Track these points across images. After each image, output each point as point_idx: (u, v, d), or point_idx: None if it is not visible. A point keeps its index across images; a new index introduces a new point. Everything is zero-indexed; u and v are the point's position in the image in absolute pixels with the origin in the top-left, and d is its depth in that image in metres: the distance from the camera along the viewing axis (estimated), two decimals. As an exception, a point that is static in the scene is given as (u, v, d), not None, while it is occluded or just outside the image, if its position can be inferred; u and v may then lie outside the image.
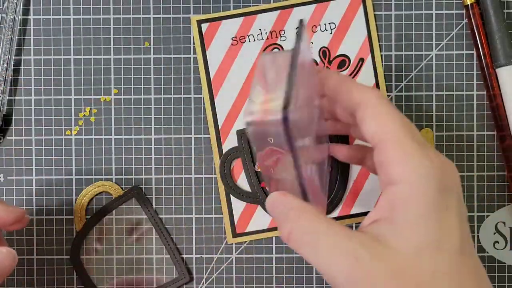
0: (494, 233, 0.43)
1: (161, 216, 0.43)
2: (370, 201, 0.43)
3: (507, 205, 0.43)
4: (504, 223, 0.43)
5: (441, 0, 0.43)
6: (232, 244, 0.43)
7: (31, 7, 0.43)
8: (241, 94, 0.43)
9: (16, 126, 0.43)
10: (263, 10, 0.43)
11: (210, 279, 0.43)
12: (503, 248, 0.43)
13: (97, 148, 0.43)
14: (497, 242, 0.43)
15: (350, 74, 0.43)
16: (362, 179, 0.43)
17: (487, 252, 0.43)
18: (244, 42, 0.43)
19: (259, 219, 0.43)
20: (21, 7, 0.43)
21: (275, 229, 0.43)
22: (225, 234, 0.43)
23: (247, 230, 0.43)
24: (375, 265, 0.28)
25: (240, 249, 0.43)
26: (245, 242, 0.43)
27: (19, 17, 0.43)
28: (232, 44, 0.43)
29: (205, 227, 0.43)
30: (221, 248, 0.43)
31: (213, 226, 0.43)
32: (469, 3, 0.42)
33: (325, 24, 0.43)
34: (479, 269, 0.30)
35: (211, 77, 0.43)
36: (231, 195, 0.43)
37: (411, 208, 0.28)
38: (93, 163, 0.43)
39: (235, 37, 0.43)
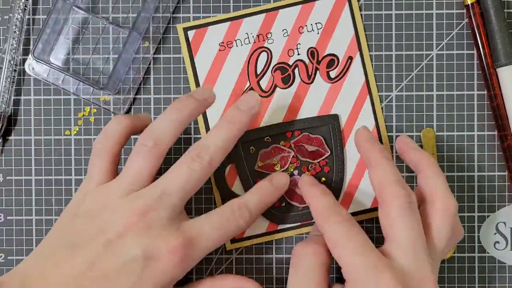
0: (495, 234, 0.43)
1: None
2: (366, 200, 0.43)
3: (508, 205, 0.43)
4: (504, 223, 0.43)
5: (442, 0, 0.43)
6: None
7: (30, 7, 0.43)
8: (231, 99, 0.43)
9: (15, 126, 0.43)
10: (248, 14, 0.43)
11: (210, 279, 0.43)
12: (504, 249, 0.43)
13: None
14: (498, 242, 0.43)
15: (340, 73, 0.43)
16: (357, 179, 0.43)
17: (488, 253, 0.43)
18: (231, 47, 0.43)
19: (257, 224, 0.43)
20: (30, 6, 0.43)
21: (272, 232, 0.43)
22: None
23: (245, 235, 0.43)
24: None
25: (240, 249, 0.43)
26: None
27: (26, 17, 0.43)
28: (219, 50, 0.43)
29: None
30: (221, 249, 0.43)
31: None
32: (469, 2, 0.42)
33: (311, 24, 0.43)
34: None
35: (201, 84, 0.43)
36: (226, 200, 0.42)
37: None
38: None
39: (222, 42, 0.43)
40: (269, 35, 0.43)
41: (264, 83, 0.43)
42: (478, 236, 0.43)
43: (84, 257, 0.34)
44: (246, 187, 0.42)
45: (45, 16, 0.43)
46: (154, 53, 0.43)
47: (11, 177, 0.43)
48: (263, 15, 0.43)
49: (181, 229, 0.35)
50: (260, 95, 0.43)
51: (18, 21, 0.42)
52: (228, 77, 0.43)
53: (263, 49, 0.43)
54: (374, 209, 0.42)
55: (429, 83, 0.43)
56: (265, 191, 0.39)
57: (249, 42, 0.43)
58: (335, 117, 0.42)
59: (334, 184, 0.42)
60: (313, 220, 0.42)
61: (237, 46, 0.43)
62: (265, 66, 0.43)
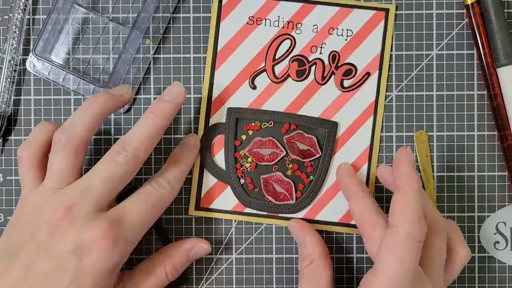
0: (495, 233, 0.43)
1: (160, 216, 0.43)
2: (336, 214, 0.43)
3: (508, 205, 0.43)
4: (504, 223, 0.43)
5: (442, 0, 0.43)
6: (228, 244, 0.43)
7: (30, 7, 0.43)
8: (242, 74, 0.43)
9: (15, 126, 0.43)
10: None
11: (210, 279, 0.43)
12: (504, 249, 0.43)
13: (96, 148, 0.43)
14: (498, 242, 0.43)
15: (353, 85, 0.43)
16: (335, 190, 0.42)
17: (488, 253, 0.43)
18: (259, 24, 0.43)
19: (226, 199, 0.43)
20: (30, 6, 0.43)
21: (237, 213, 0.43)
22: (188, 205, 0.43)
23: (211, 207, 0.43)
24: None
25: (240, 249, 0.43)
26: (243, 243, 0.43)
27: (26, 17, 0.43)
28: (247, 23, 0.43)
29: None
30: (221, 248, 0.43)
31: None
32: (469, 2, 0.42)
33: (342, 29, 0.43)
34: None
35: (218, 49, 0.43)
36: (204, 168, 0.43)
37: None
38: (93, 163, 0.43)
39: (253, 16, 0.43)
40: (299, 25, 0.43)
41: (279, 69, 0.43)
42: (478, 236, 0.43)
43: (21, 264, 0.35)
44: (227, 160, 0.42)
45: (45, 16, 0.43)
46: (155, 53, 0.43)
47: (11, 177, 0.43)
48: (300, 4, 0.43)
49: (106, 215, 0.36)
50: (271, 80, 0.43)
51: (18, 21, 0.42)
52: (247, 52, 0.43)
53: (288, 36, 0.43)
54: (341, 224, 0.43)
55: (429, 83, 0.43)
56: (181, 162, 0.40)
57: (278, 26, 0.43)
58: (334, 125, 0.42)
59: (312, 186, 0.42)
60: (280, 214, 0.42)
61: (265, 25, 0.43)
62: (285, 53, 0.43)
